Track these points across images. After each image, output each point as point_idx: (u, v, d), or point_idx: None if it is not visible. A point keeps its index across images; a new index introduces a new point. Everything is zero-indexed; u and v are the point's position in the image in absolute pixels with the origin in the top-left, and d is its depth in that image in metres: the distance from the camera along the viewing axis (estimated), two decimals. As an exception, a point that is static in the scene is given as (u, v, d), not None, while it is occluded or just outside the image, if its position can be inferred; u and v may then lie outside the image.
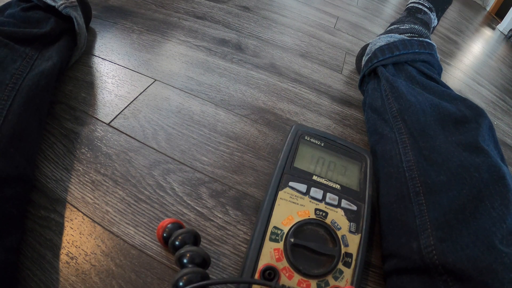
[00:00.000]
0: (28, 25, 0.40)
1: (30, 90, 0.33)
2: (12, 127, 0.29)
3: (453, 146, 0.33)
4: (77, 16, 0.45)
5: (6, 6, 0.42)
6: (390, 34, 0.52)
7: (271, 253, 0.28)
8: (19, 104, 0.31)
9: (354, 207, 0.32)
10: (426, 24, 0.55)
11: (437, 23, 0.62)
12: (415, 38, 0.49)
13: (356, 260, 0.29)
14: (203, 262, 0.26)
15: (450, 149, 0.33)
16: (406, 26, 0.54)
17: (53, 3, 0.43)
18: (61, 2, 0.43)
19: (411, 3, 0.60)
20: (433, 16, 0.58)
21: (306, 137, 0.38)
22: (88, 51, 0.50)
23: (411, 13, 0.58)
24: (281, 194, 0.32)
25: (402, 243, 0.29)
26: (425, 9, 0.57)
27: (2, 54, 0.34)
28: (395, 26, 0.56)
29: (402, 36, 0.51)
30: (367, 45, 0.58)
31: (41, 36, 0.39)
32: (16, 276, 0.26)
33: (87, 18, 0.53)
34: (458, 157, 0.32)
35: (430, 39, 0.52)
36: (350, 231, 0.30)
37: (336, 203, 0.32)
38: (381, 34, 0.56)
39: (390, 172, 0.36)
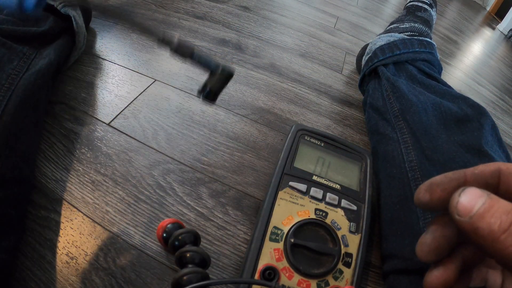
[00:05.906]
0: (27, 23, 0.40)
1: (27, 90, 0.33)
2: (7, 128, 0.29)
3: (455, 146, 0.33)
4: (76, 15, 0.45)
5: None
6: (390, 33, 0.52)
7: (271, 253, 0.28)
8: (15, 105, 0.31)
9: (354, 207, 0.32)
10: (427, 22, 0.55)
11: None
12: (415, 37, 0.49)
13: (356, 260, 0.29)
14: (203, 262, 0.26)
15: (453, 149, 0.33)
16: (406, 25, 0.54)
17: (52, 2, 0.42)
18: (60, 1, 0.43)
19: (410, 1, 0.60)
20: (433, 12, 0.58)
21: (306, 137, 0.38)
22: (88, 51, 0.50)
23: (411, 11, 0.58)
24: (281, 194, 0.32)
25: (405, 244, 0.29)
26: (425, 6, 0.57)
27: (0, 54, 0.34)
28: (395, 25, 0.56)
29: (402, 35, 0.51)
30: (367, 44, 0.58)
31: (39, 35, 0.39)
32: (12, 276, 0.26)
33: (87, 18, 0.53)
34: (461, 157, 0.32)
35: (431, 38, 0.52)
36: (350, 231, 0.30)
37: (336, 203, 0.32)
38: (381, 34, 0.56)
39: (392, 173, 0.36)
